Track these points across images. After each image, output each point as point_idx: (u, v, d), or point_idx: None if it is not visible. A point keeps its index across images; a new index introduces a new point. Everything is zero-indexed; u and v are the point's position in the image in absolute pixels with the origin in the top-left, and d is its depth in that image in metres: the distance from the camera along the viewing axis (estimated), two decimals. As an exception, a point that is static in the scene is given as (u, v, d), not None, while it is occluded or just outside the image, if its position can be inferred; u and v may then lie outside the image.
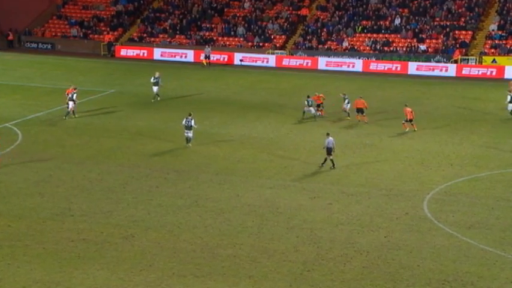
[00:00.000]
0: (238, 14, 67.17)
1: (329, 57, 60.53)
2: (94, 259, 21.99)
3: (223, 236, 24.03)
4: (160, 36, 65.75)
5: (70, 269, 21.24)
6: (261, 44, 63.45)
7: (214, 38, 64.75)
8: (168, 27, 66.45)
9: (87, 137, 36.17)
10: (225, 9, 67.96)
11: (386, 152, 34.63)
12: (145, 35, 66.11)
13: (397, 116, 40.09)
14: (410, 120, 38.07)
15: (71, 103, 39.41)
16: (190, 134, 34.59)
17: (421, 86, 51.66)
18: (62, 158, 32.48)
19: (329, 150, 31.43)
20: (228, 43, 64.27)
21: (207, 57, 60.04)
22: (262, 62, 61.01)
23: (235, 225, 25.04)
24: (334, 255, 22.80)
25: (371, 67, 58.28)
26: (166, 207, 26.64)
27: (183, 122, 34.64)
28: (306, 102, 40.37)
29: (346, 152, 34.39)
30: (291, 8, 66.72)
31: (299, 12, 65.80)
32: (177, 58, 62.56)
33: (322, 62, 59.94)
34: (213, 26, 66.17)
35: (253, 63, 60.79)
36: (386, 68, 57.79)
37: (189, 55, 62.72)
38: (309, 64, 60.23)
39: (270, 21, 65.55)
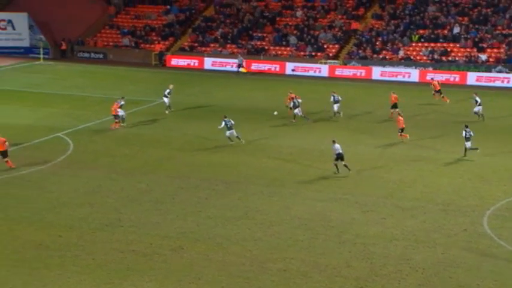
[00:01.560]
0: (290, 23, 67.39)
1: (384, 67, 60.08)
2: (143, 271, 22.30)
3: (273, 250, 24.05)
4: (211, 45, 66.47)
5: (119, 281, 21.59)
6: (313, 54, 63.44)
7: (266, 48, 65.09)
8: (219, 37, 67.15)
9: (137, 147, 36.79)
10: (277, 18, 68.27)
11: (442, 166, 34.09)
12: (196, 44, 66.95)
13: (455, 128, 39.42)
14: (402, 130, 37.82)
15: (120, 111, 40.38)
16: (234, 132, 36.72)
17: (481, 97, 50.40)
18: (112, 168, 33.12)
19: (341, 156, 32.08)
20: (279, 52, 64.52)
21: (240, 65, 60.87)
22: (314, 71, 60.98)
23: (285, 239, 25.03)
24: (388, 271, 22.53)
25: (428, 77, 57.51)
26: (215, 219, 26.83)
27: (222, 124, 36.83)
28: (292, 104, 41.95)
29: (401, 165, 34.00)
30: (344, 17, 66.57)
31: (351, 24, 65.54)
32: (228, 68, 63.09)
33: (377, 72, 59.51)
34: (264, 35, 66.55)
35: (305, 73, 60.82)
36: (444, 79, 56.85)
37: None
38: (363, 74, 59.88)
39: (323, 30, 65.51)
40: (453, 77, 57.50)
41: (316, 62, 61.85)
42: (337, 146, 32.42)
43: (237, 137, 37.34)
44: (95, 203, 28.27)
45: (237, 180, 31.64)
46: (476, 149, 35.06)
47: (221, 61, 63.78)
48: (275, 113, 42.32)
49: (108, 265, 22.62)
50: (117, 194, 29.43)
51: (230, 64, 63.08)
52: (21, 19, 68.83)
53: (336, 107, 43.59)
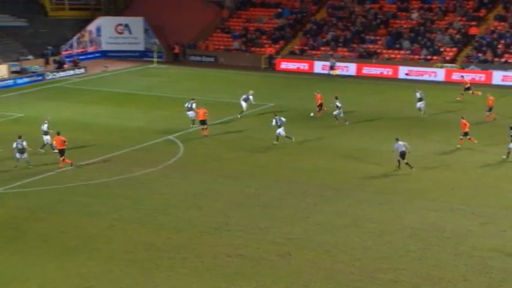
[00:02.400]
0: (404, 26, 66.12)
1: (506, 71, 57.64)
2: (250, 276, 22.55)
3: (384, 260, 23.64)
4: (322, 49, 66.36)
5: (226, 285, 21.93)
6: (428, 57, 61.93)
7: (378, 51, 64.21)
8: (330, 40, 66.93)
9: (244, 152, 37.29)
10: (391, 21, 67.20)
11: None
12: (306, 47, 67.07)
13: None
14: (465, 134, 36.77)
15: (190, 112, 41.46)
16: (282, 131, 37.49)
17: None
18: (220, 171, 33.74)
19: (403, 154, 32.71)
20: (392, 56, 63.45)
21: (332, 67, 61.13)
22: (430, 76, 59.48)
23: (396, 249, 24.55)
24: (508, 287, 21.57)
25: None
26: (324, 226, 26.72)
27: (274, 122, 37.89)
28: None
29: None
30: (464, 19, 64.53)
31: (471, 26, 63.40)
32: (338, 71, 62.61)
33: (498, 77, 57.25)
34: (377, 38, 65.68)
35: (419, 77, 59.44)
36: None
37: (351, 68, 62.66)
38: (482, 78, 57.75)
39: (440, 32, 63.80)
40: None
41: (431, 66, 60.31)
42: (400, 143, 32.98)
43: (286, 136, 37.83)
44: (204, 206, 28.90)
45: (346, 187, 31.38)
46: None
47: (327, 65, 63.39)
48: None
49: (215, 268, 23.04)
50: (225, 198, 29.96)
51: (341, 68, 62.70)
52: (137, 23, 71.71)
53: (420, 104, 44.69)
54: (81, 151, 36.56)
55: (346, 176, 33.06)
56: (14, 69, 59.98)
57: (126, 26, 71.93)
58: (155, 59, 68.30)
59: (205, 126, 39.72)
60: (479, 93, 48.54)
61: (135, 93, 53.86)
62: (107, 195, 29.99)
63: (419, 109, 45.36)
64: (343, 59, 64.00)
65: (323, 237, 25.59)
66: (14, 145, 33.33)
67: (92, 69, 63.57)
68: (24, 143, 33.33)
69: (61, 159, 33.59)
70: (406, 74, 60.24)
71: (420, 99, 45.30)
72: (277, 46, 68.33)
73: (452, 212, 28.10)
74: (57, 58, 63.58)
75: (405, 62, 61.81)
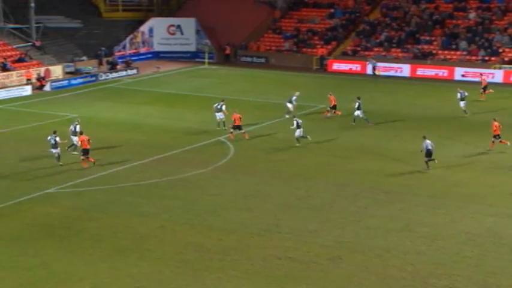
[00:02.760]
0: (461, 25, 64.98)
1: None
2: (300, 279, 22.49)
3: (438, 265, 23.27)
4: (375, 49, 65.76)
5: None
6: (486, 58, 60.69)
7: (434, 52, 63.27)
8: (383, 40, 66.27)
9: (295, 153, 37.22)
10: (447, 21, 66.13)
11: None
12: (359, 48, 66.57)
13: None
14: (497, 136, 36.18)
15: (218, 114, 41.57)
16: (300, 132, 37.75)
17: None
18: (270, 173, 33.77)
19: (429, 153, 33.15)
20: (448, 57, 62.42)
21: (374, 68, 60.89)
22: (487, 77, 58.22)
23: (450, 254, 24.13)
24: None
25: None
26: (375, 229, 26.47)
27: (295, 124, 37.90)
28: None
29: None
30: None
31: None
32: (392, 73, 62.10)
33: (558, 77, 55.77)
34: (432, 38, 64.71)
35: (476, 79, 58.18)
36: None
37: (405, 69, 61.93)
38: (542, 79, 56.36)
39: (499, 32, 62.46)
40: None
41: (489, 67, 59.08)
42: (427, 142, 33.43)
43: (303, 136, 38.12)
44: (254, 208, 28.97)
45: (398, 190, 31.01)
46: None
47: (385, 66, 62.78)
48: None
49: (266, 271, 23.06)
50: (275, 200, 29.97)
51: (394, 69, 62.05)
52: (189, 24, 72.45)
53: (462, 103, 44.64)
54: (132, 151, 37.12)
55: (398, 179, 32.67)
56: (68, 69, 61.36)
57: (178, 26, 72.74)
58: (206, 60, 68.84)
59: (242, 131, 39.55)
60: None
61: (186, 94, 54.39)
62: (158, 196, 30.35)
63: (464, 111, 45.09)
64: (397, 60, 63.26)
65: (374, 241, 25.35)
66: (48, 139, 34.28)
67: (144, 70, 64.50)
68: (58, 138, 34.29)
69: (85, 158, 34.23)
70: (463, 76, 59.16)
71: (462, 99, 45.03)
72: (329, 47, 68.02)
73: (510, 218, 27.47)
74: (110, 59, 64.73)
75: (461, 63, 60.73)
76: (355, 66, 64.15)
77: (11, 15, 63.00)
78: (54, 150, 34.36)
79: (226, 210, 28.80)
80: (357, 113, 42.75)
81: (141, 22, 72.66)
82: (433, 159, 33.48)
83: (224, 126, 41.72)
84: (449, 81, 58.65)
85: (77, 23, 70.72)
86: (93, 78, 59.72)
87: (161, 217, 27.87)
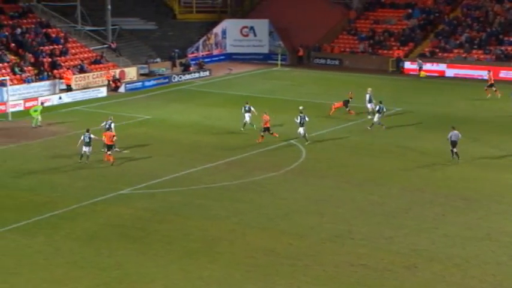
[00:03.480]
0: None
1: None
2: (374, 287, 22.18)
3: (519, 277, 22.53)
4: (455, 51, 64.23)
5: (348, 295, 21.75)
6: None
7: (518, 53, 61.38)
8: (463, 41, 64.68)
9: (368, 157, 36.78)
10: (533, 20, 64.06)
11: None
12: (437, 50, 65.18)
13: None
14: None
15: (247, 114, 41.80)
16: (302, 130, 38.09)
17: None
18: (343, 177, 33.47)
19: (454, 143, 34.04)
20: (533, 58, 60.42)
21: (420, 69, 60.77)
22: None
23: (533, 266, 23.31)
24: None
25: None
26: (453, 238, 25.83)
27: (299, 119, 38.36)
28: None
29: None
30: None
31: None
32: (468, 72, 60.61)
33: None
34: (517, 39, 62.77)
35: None
36: None
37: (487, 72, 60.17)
38: None
39: None
40: None
41: None
42: (455, 132, 34.26)
43: (303, 136, 37.92)
44: (326, 213, 28.77)
45: (478, 197, 30.20)
46: None
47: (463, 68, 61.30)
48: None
49: (338, 278, 22.85)
50: (347, 205, 29.68)
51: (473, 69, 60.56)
52: (262, 26, 72.69)
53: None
54: (204, 154, 37.51)
55: (479, 185, 31.82)
56: (142, 71, 62.59)
57: (251, 28, 73.09)
58: (279, 62, 68.89)
59: (271, 132, 39.77)
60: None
61: (258, 96, 54.51)
62: (229, 199, 30.54)
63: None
64: (479, 62, 61.59)
65: (452, 250, 24.74)
66: (82, 138, 35.15)
67: (217, 71, 65.10)
68: (92, 136, 35.09)
69: (107, 153, 34.91)
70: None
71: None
72: (405, 48, 66.86)
73: None
74: (183, 61, 65.68)
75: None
76: (434, 68, 62.74)
77: (88, 17, 64.82)
78: (86, 148, 35.06)
79: (298, 214, 28.70)
80: (377, 116, 42.13)
81: (215, 24, 73.39)
82: (458, 157, 33.99)
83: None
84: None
85: (151, 24, 72.07)
86: (166, 80, 60.71)
87: (232, 220, 28.03)
